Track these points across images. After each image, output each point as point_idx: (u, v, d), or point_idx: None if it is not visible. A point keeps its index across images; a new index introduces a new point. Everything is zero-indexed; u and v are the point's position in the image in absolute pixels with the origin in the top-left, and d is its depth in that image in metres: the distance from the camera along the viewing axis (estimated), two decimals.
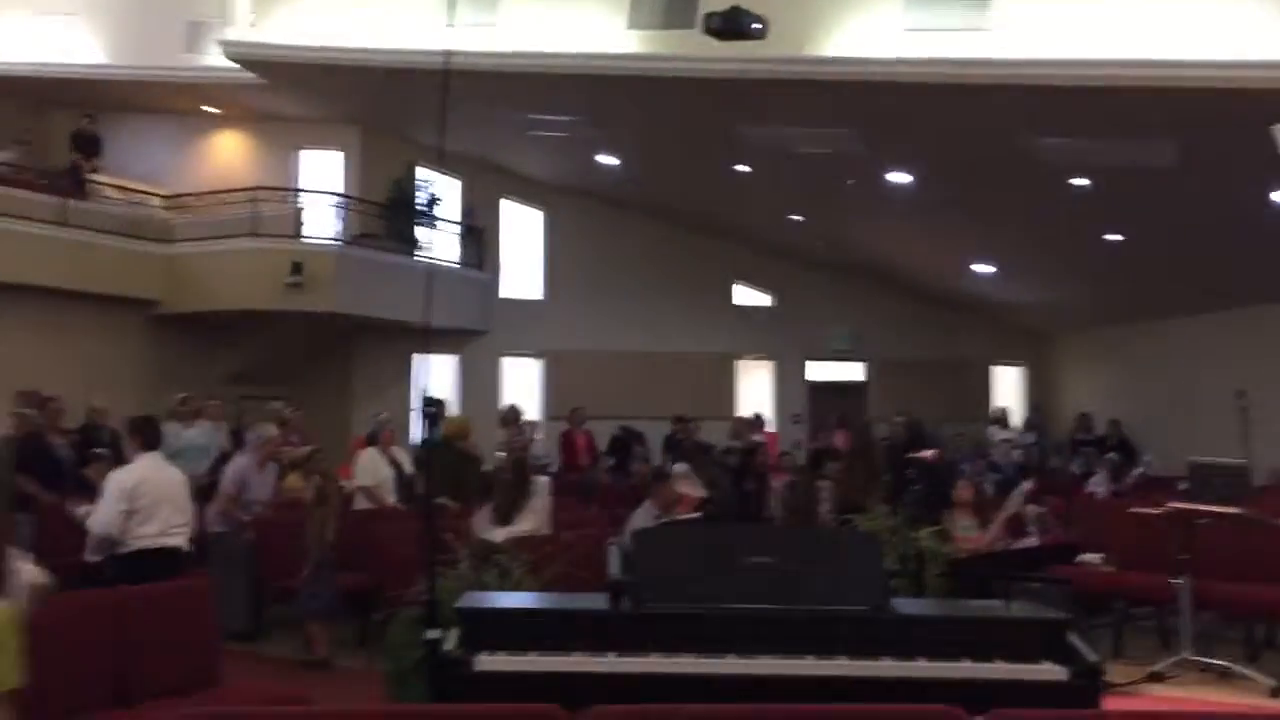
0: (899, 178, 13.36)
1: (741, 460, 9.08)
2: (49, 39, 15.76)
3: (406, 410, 15.96)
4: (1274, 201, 11.32)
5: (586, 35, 11.94)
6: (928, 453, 7.72)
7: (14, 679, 3.41)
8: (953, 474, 9.63)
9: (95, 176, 15.51)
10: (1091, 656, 3.39)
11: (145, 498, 6.25)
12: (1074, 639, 3.46)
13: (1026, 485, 11.59)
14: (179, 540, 6.39)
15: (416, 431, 11.00)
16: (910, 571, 5.81)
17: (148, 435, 6.67)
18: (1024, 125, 11.04)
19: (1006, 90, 10.22)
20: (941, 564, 7.41)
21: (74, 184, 15.16)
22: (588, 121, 13.82)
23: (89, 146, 15.92)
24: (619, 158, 15.41)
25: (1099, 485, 13.10)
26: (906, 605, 3.75)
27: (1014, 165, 12.12)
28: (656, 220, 17.88)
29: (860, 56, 10.63)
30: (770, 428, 15.59)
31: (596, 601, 3.74)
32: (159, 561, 6.21)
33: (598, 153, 15.25)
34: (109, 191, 15.15)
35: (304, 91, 15.05)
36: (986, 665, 3.35)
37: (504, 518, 7.41)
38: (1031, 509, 9.87)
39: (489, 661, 3.36)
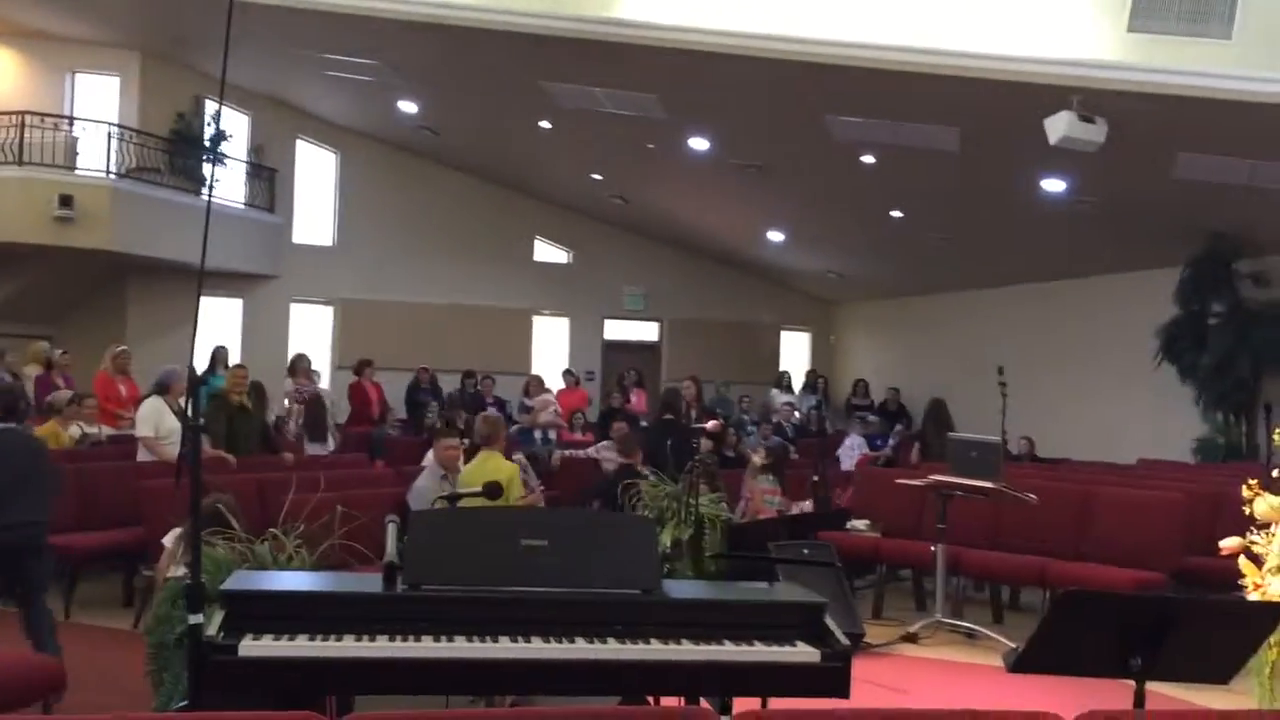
0: (698, 144, 13.56)
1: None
2: None
3: (189, 353, 15.31)
4: (1043, 189, 12.06)
5: None
6: (711, 423, 7.94)
7: None
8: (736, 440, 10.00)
9: None
10: (844, 640, 3.58)
11: None
12: (830, 622, 3.64)
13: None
14: None
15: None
16: (689, 552, 5.97)
17: None
18: (817, 101, 11.38)
19: (801, 66, 10.48)
20: (720, 530, 7.68)
21: None
22: (387, 65, 13.43)
23: None
24: (420, 105, 15.06)
25: (852, 449, 13.77)
26: (677, 588, 3.86)
27: (807, 139, 12.50)
28: (457, 171, 17.64)
29: (655, 22, 10.66)
30: (560, 385, 15.65)
31: (371, 582, 3.70)
32: None
33: (398, 98, 14.87)
34: None
35: (77, 8, 14.01)
36: (746, 648, 3.49)
37: None
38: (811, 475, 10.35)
39: (253, 647, 3.28)
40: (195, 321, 3.91)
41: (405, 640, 3.40)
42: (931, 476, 8.12)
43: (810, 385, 17.84)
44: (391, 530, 3.93)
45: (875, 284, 18.78)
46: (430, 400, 14.58)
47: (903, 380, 17.50)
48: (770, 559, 4.45)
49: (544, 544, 3.70)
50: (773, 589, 4.03)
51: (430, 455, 10.07)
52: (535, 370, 16.56)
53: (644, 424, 13.19)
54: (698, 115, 12.89)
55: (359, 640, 3.38)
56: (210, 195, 15.34)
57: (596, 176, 16.32)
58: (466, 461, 7.97)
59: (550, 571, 3.64)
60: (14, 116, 13.90)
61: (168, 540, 5.73)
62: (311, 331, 17.04)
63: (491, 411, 10.07)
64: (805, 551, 6.98)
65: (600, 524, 4.06)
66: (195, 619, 3.27)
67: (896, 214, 14.45)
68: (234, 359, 13.28)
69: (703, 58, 10.84)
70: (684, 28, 10.68)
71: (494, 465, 7.39)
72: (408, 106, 15.11)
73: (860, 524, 9.03)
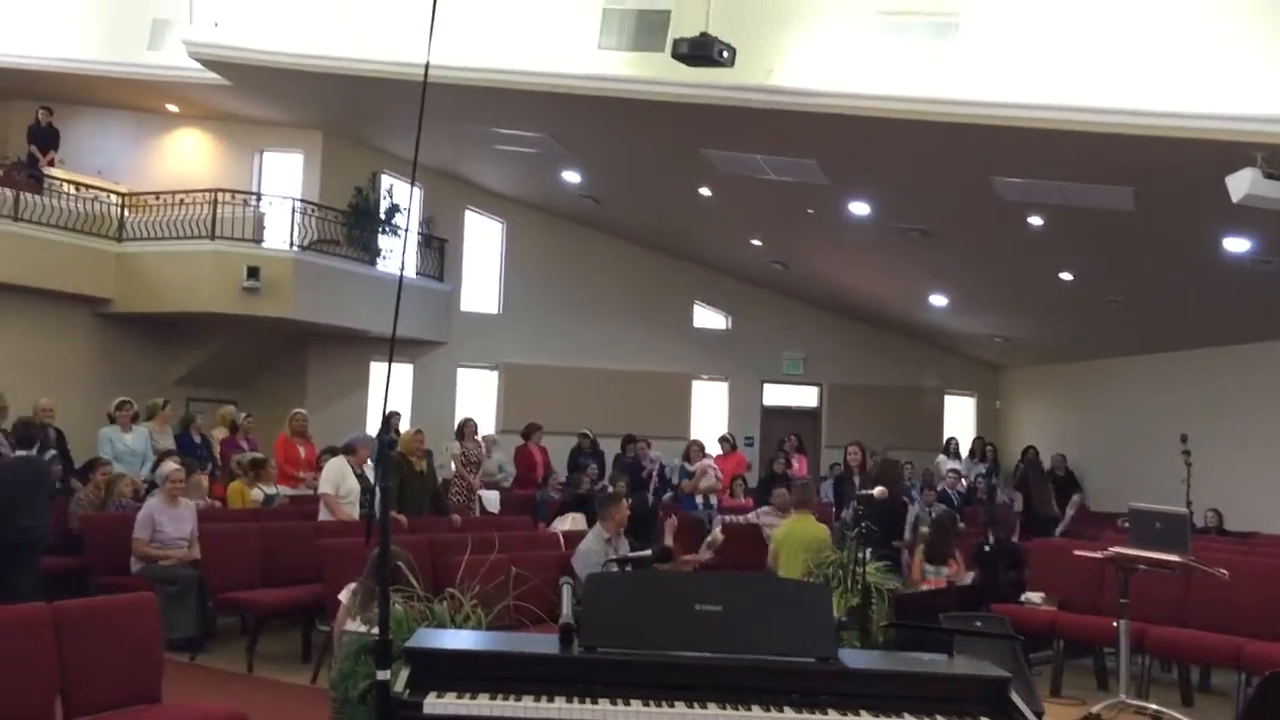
0: (859, 208, 13.50)
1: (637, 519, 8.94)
2: (9, 29, 15.55)
3: (362, 417, 15.94)
4: (1225, 249, 11.55)
5: (556, 53, 11.97)
6: (877, 489, 7.80)
7: None
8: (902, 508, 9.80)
9: (51, 171, 15.29)
10: (1031, 716, 3.45)
11: None
12: (1015, 696, 3.52)
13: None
14: None
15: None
16: (856, 622, 5.85)
17: None
18: (982, 163, 11.21)
19: (965, 129, 10.37)
20: (888, 599, 7.52)
21: (29, 177, 14.94)
22: (554, 138, 13.84)
23: (46, 140, 15.69)
24: (583, 175, 15.45)
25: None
26: (853, 658, 3.78)
27: (972, 201, 12.30)
28: (618, 238, 17.97)
29: (815, 89, 10.74)
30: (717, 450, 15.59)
31: (548, 643, 3.75)
32: None
33: (562, 169, 15.28)
34: (64, 186, 14.92)
35: (267, 94, 14.93)
36: None
37: None
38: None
39: (437, 705, 3.36)
40: (386, 387, 4.07)
41: (583, 702, 3.43)
42: (1112, 548, 7.76)
43: (977, 452, 17.34)
44: (566, 592, 3.97)
45: (1044, 348, 18.23)
46: (590, 464, 14.72)
47: (1073, 448, 16.87)
48: (946, 630, 4.32)
49: (718, 609, 3.69)
50: (951, 661, 3.91)
51: (564, 520, 10.35)
52: (695, 435, 16.58)
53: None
54: (858, 180, 12.85)
55: (538, 701, 3.42)
56: (402, 270, 15.61)
57: (756, 242, 16.38)
58: (627, 528, 8.07)
59: (725, 637, 3.63)
60: (208, 194, 14.82)
61: (343, 596, 5.93)
62: (477, 396, 17.49)
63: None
64: (978, 624, 6.75)
65: (773, 590, 4.03)
66: (383, 675, 3.37)
67: (1066, 276, 14.04)
68: (404, 423, 13.73)
69: (863, 122, 10.84)
70: (844, 94, 10.72)
71: (805, 526, 8.51)
72: (571, 176, 15.52)
73: (1035, 596, 8.70)
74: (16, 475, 8.11)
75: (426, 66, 4.41)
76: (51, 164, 15.49)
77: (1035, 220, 12.28)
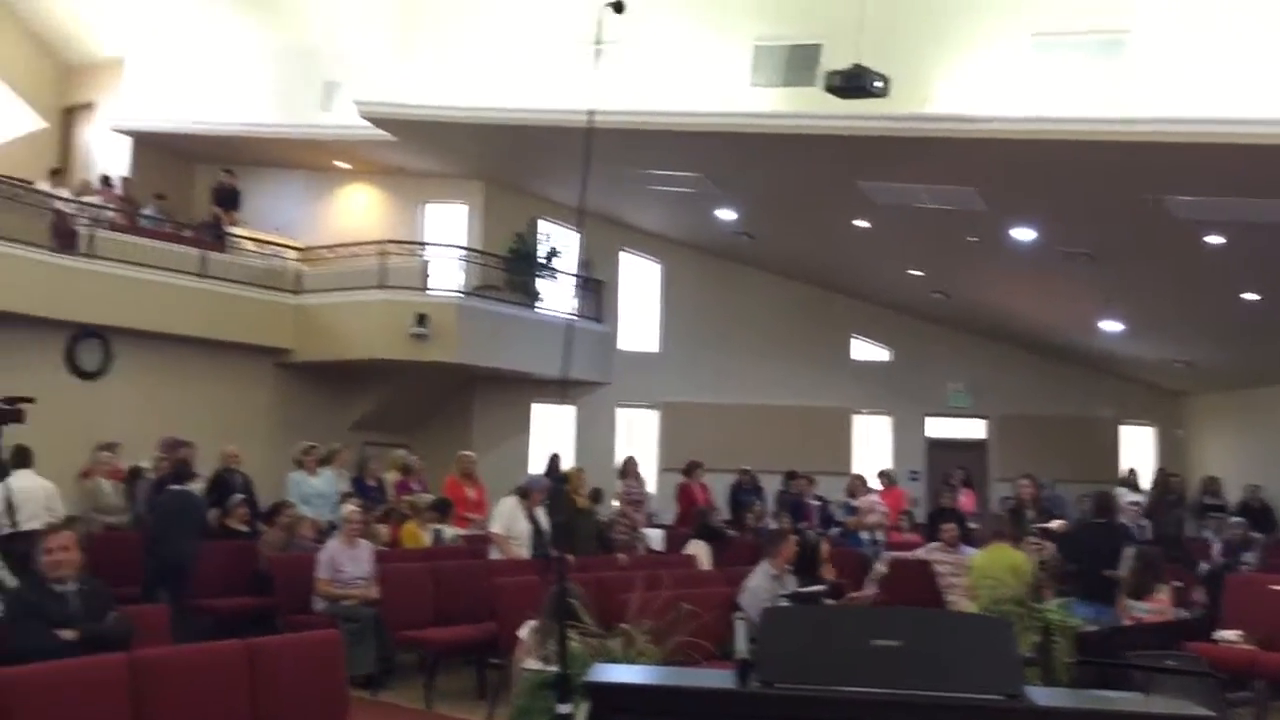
0: (1022, 234, 13.14)
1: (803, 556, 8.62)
2: (194, 100, 16.58)
3: (525, 458, 16.24)
4: None
5: (709, 93, 12.08)
6: (1055, 522, 7.52)
7: None
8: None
9: (233, 229, 16.18)
10: None
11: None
12: None
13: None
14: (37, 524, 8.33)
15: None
16: (1041, 659, 5.63)
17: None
18: (1153, 182, 10.80)
19: (1134, 147, 10.02)
20: (1069, 638, 7.21)
21: (214, 236, 15.84)
22: (709, 177, 13.94)
23: (228, 200, 16.64)
24: (738, 212, 15.49)
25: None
26: (1041, 695, 3.63)
27: (1144, 222, 11.84)
28: (773, 274, 17.93)
29: (980, 115, 10.54)
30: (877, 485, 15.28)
31: (724, 679, 3.73)
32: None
33: (717, 207, 15.36)
34: (246, 244, 15.76)
35: (432, 148, 15.51)
36: None
37: None
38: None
39: None
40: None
41: None
42: None
43: (1160, 484, 16.50)
44: (741, 627, 3.95)
45: (1231, 373, 17.33)
46: (755, 501, 14.60)
47: (1268, 478, 15.92)
48: (1138, 666, 4.12)
49: (897, 644, 3.60)
50: (1149, 700, 3.72)
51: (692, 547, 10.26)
52: (856, 470, 16.32)
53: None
54: (1019, 205, 12.53)
55: None
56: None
57: (915, 272, 16.11)
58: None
59: (905, 673, 3.53)
60: (377, 245, 15.45)
61: (523, 633, 6.02)
62: (637, 435, 17.63)
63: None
64: (1171, 663, 6.40)
65: (954, 624, 3.92)
66: (564, 709, 3.42)
67: (1251, 296, 13.35)
68: (566, 464, 13.93)
69: (1024, 146, 10.59)
70: (1002, 118, 10.50)
71: (1005, 555, 8.49)
72: (726, 214, 15.58)
73: (1230, 634, 8.21)
74: (165, 508, 9.60)
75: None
76: (234, 223, 16.41)
77: (1214, 239, 11.75)
